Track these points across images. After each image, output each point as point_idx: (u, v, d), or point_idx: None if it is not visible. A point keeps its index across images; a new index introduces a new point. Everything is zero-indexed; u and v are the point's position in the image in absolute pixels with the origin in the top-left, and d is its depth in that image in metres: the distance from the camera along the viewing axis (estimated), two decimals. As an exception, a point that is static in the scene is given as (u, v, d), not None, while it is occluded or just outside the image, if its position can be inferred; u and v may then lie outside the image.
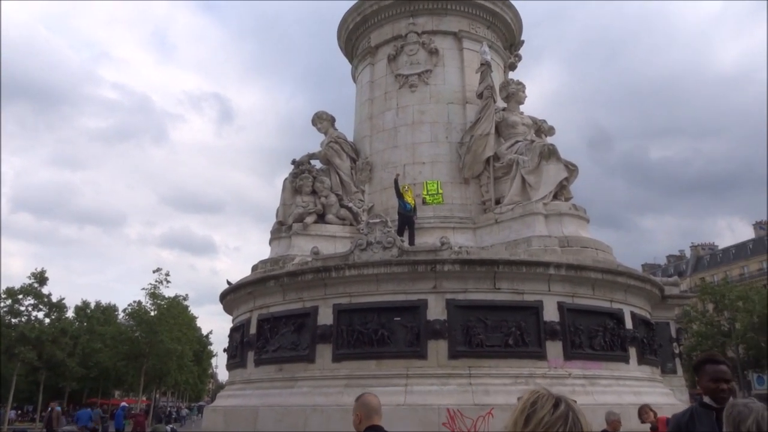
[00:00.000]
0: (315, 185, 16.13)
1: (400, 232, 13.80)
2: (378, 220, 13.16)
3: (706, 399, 3.53)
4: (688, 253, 75.04)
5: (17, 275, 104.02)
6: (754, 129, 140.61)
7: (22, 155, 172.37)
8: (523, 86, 16.69)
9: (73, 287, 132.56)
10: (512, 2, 18.34)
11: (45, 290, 41.44)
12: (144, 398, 54.82)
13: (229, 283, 15.61)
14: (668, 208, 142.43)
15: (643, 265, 72.50)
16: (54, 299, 42.64)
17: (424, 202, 15.61)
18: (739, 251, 65.02)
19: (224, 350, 16.39)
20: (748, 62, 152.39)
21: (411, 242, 13.88)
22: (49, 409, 27.44)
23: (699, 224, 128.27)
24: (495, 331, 11.80)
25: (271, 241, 16.41)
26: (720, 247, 71.48)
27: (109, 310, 52.14)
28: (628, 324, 13.08)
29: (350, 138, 17.84)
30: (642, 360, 13.27)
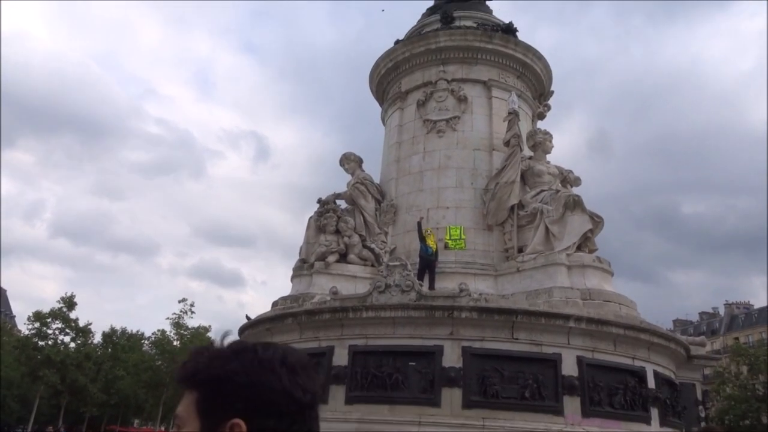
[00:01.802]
0: (339, 225, 16.27)
1: (420, 276, 13.78)
2: (398, 263, 13.18)
3: None
4: (721, 311, 72.71)
5: (49, 299, 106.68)
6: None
7: (65, 184, 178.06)
8: (550, 136, 16.74)
9: (102, 313, 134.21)
10: (543, 54, 18.57)
11: (73, 315, 42.31)
12: (162, 428, 54.69)
13: (248, 318, 15.72)
14: (700, 263, 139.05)
15: (674, 321, 70.49)
16: (81, 324, 43.43)
17: (446, 247, 15.58)
18: (777, 312, 62.65)
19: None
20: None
21: (431, 287, 13.84)
22: None
23: (733, 282, 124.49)
24: (511, 383, 11.57)
25: (292, 278, 16.53)
26: (756, 307, 69.04)
27: (134, 338, 52.76)
28: (651, 383, 12.67)
29: (377, 180, 18.05)
30: (664, 422, 12.79)
